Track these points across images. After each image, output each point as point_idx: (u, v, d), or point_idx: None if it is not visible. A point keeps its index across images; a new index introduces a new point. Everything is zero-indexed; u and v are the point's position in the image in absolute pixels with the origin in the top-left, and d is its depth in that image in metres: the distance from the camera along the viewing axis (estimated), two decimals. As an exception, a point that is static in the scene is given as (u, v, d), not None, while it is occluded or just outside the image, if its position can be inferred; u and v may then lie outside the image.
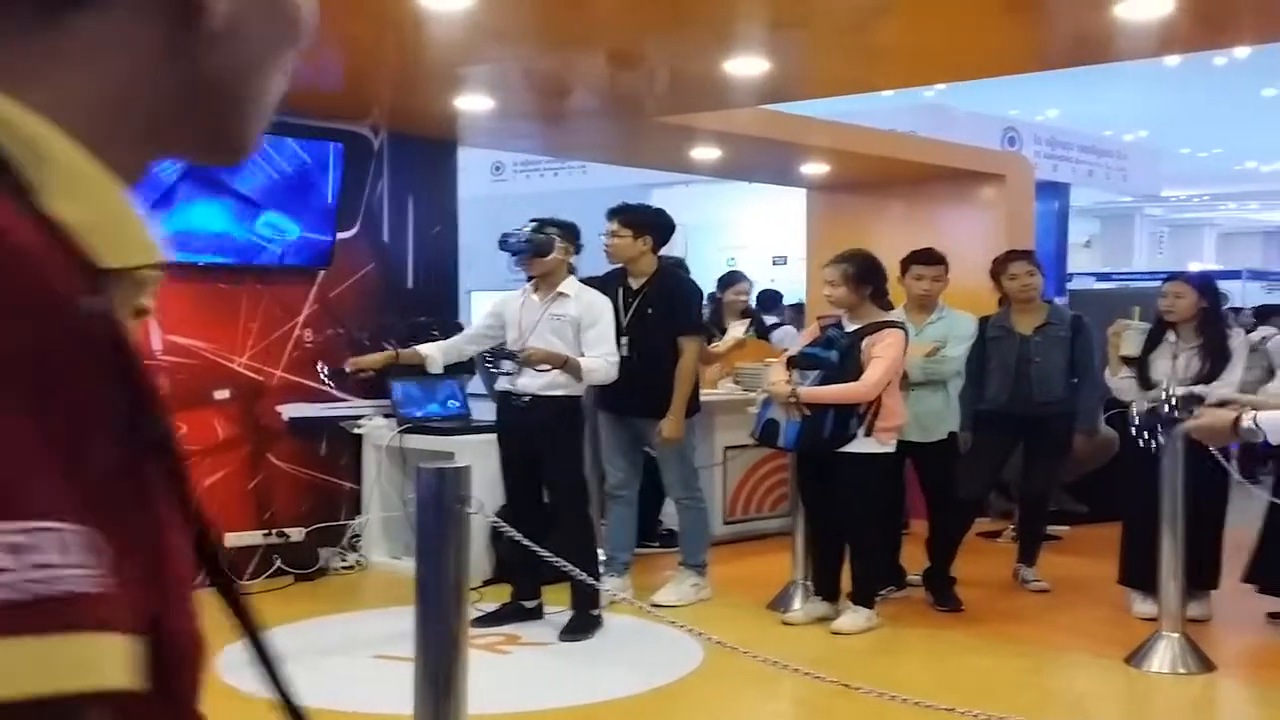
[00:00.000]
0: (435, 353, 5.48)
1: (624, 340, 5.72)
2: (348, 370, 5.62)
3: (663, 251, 5.98)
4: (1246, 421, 3.64)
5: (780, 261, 15.49)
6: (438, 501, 2.50)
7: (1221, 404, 4.53)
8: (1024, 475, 6.38)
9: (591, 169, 12.98)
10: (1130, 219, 22.57)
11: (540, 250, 5.21)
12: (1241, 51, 11.01)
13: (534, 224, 5.28)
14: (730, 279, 8.28)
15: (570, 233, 5.33)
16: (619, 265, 5.85)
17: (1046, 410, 6.01)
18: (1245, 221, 24.74)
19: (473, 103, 6.04)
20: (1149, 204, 21.24)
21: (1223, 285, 16.87)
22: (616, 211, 5.79)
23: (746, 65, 5.24)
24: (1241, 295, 16.08)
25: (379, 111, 6.40)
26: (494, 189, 15.23)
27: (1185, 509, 4.91)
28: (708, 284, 12.37)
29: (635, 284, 5.80)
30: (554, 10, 4.60)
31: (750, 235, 16.50)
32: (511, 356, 5.19)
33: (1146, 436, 5.05)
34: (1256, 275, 16.90)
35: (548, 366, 5.14)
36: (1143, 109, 15.26)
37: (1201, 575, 5.48)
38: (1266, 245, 24.94)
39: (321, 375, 6.33)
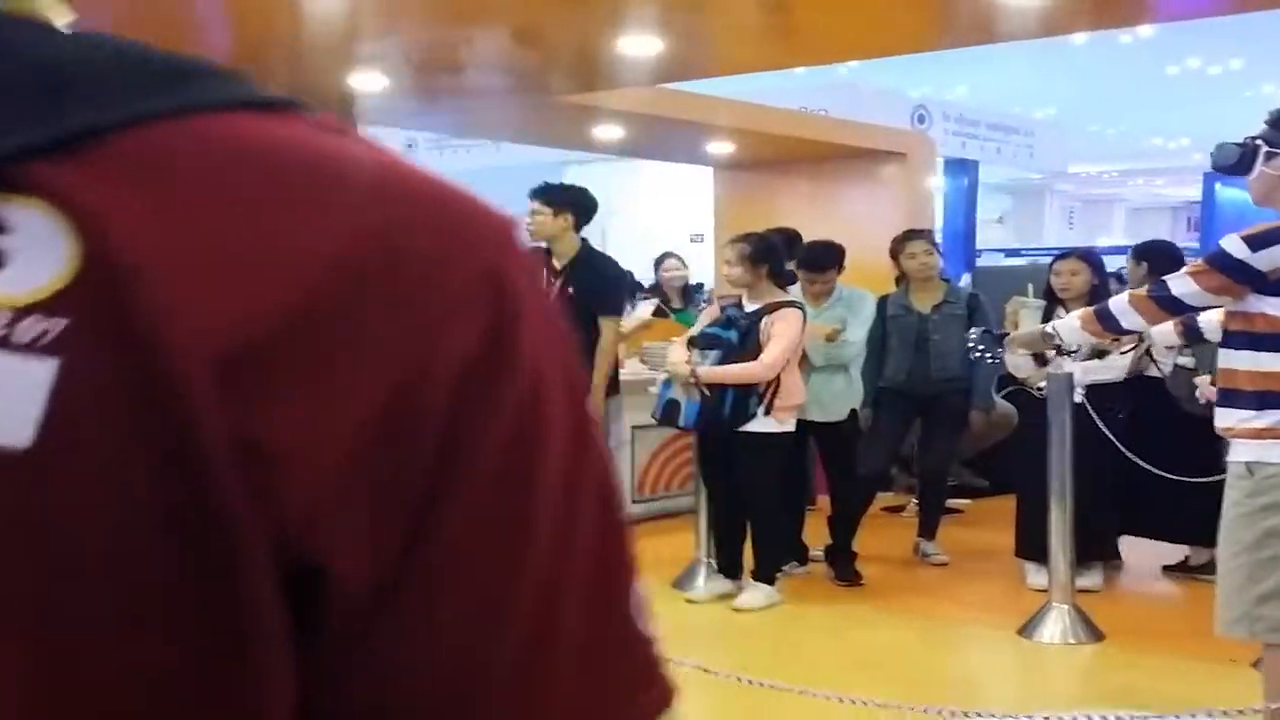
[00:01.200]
0: None
1: None
2: None
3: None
4: (1048, 328, 4.12)
5: (698, 239, 15.50)
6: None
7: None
8: (922, 451, 6.47)
9: (505, 146, 12.90)
10: (1041, 195, 22.92)
11: None
12: (1146, 30, 11.21)
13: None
14: (662, 258, 8.30)
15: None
16: (541, 244, 5.84)
17: (944, 387, 6.09)
18: (1155, 197, 25.22)
19: (367, 81, 5.96)
20: (1059, 180, 21.57)
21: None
22: (537, 191, 5.78)
23: (642, 45, 5.22)
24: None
25: (273, 89, 6.28)
26: (406, 167, 15.12)
27: (1073, 479, 5.00)
28: (626, 260, 12.35)
29: (558, 264, 5.78)
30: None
31: (667, 212, 16.51)
32: None
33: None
34: (1160, 250, 17.26)
35: None
36: (1051, 87, 15.47)
37: (1095, 545, 5.60)
38: (1175, 220, 25.45)
39: None
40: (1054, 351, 4.84)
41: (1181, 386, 5.52)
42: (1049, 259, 6.24)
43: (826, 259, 6.12)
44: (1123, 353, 5.37)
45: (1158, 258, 6.12)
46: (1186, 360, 5.48)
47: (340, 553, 0.43)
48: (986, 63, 11.57)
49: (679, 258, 8.39)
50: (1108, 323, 3.79)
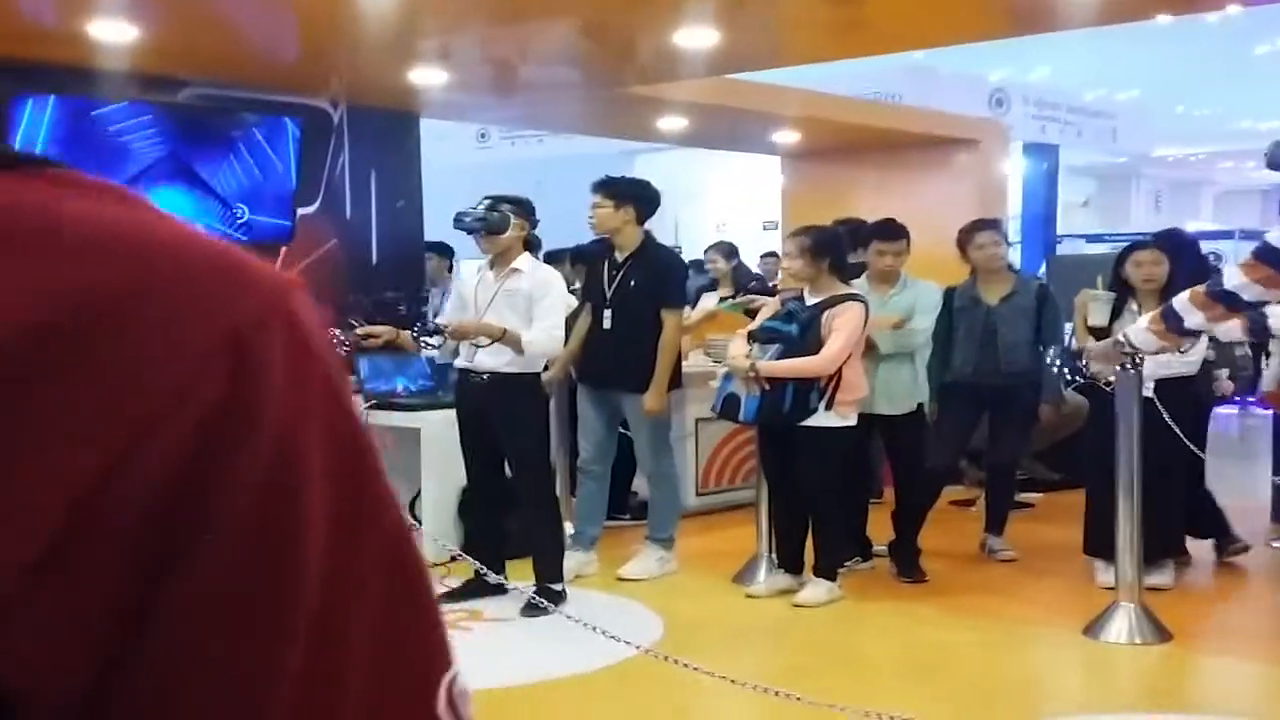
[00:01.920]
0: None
1: (607, 312, 5.74)
2: (358, 334, 5.55)
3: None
4: (1120, 338, 3.95)
5: (771, 226, 15.42)
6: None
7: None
8: (990, 445, 6.36)
9: (577, 135, 12.92)
10: (1127, 178, 22.42)
11: (494, 228, 5.19)
12: (1233, 8, 10.91)
13: (488, 201, 5.25)
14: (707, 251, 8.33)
15: (524, 208, 5.29)
16: (605, 235, 5.85)
17: (1012, 381, 5.98)
18: (1244, 180, 24.55)
19: (428, 76, 6.00)
20: (1145, 164, 21.09)
21: (1216, 245, 16.82)
22: (599, 184, 5.79)
23: (699, 37, 5.19)
24: (1234, 254, 15.98)
25: (337, 84, 6.36)
26: (480, 156, 15.18)
27: (1141, 476, 4.88)
28: (699, 250, 12.35)
29: (620, 256, 5.79)
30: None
31: (739, 200, 16.43)
32: (438, 331, 5.16)
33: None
34: (1249, 235, 16.76)
35: (487, 340, 5.12)
36: (1135, 68, 15.13)
37: (1164, 543, 5.48)
38: (1266, 203, 24.75)
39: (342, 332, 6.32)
40: (1129, 361, 4.65)
41: (1202, 381, 5.41)
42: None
43: (899, 228, 6.05)
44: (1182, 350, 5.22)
45: (1184, 250, 5.98)
46: (1208, 354, 5.37)
47: (31, 669, 0.38)
48: (1068, 44, 11.34)
49: (714, 248, 8.43)
50: (1172, 322, 3.71)
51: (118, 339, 0.40)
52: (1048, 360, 4.79)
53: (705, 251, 8.24)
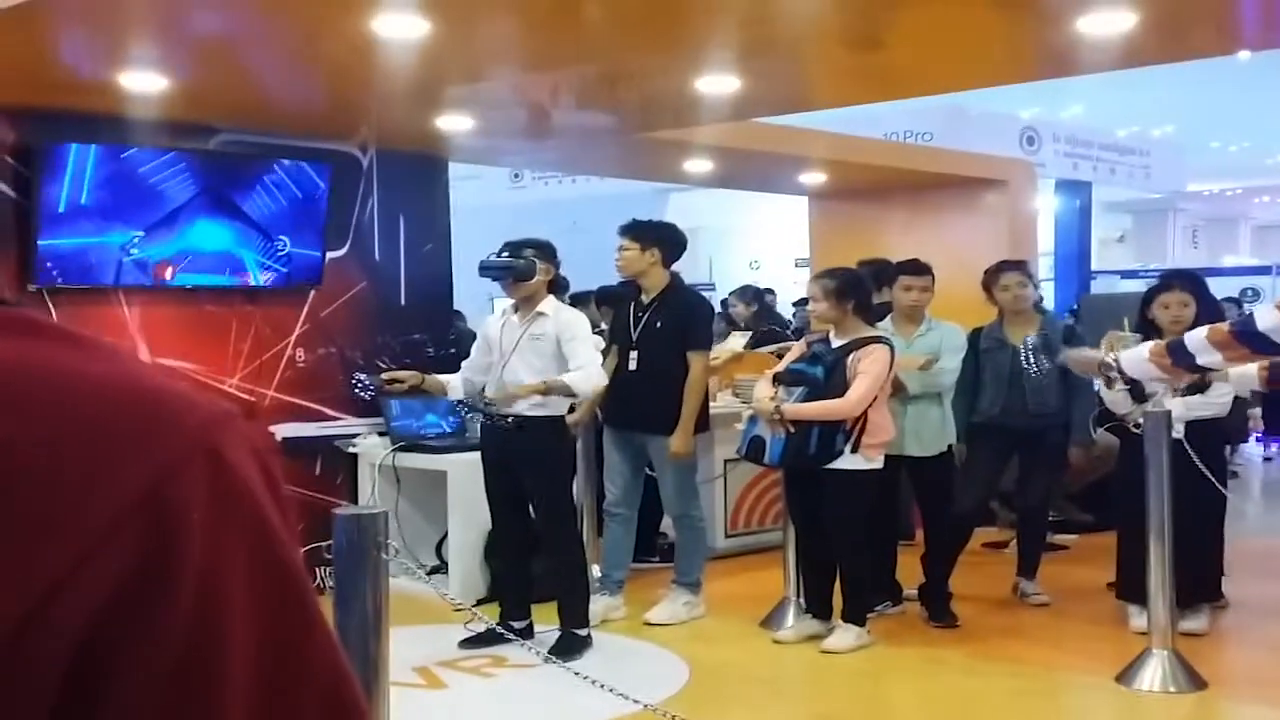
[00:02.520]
0: (456, 382, 5.49)
1: (633, 354, 5.75)
2: (383, 379, 5.58)
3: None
4: (1109, 358, 3.79)
5: (803, 264, 15.43)
6: (355, 547, 2.49)
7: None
8: (1019, 488, 6.30)
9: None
10: (1164, 214, 22.27)
11: (522, 275, 5.21)
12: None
13: (510, 247, 5.27)
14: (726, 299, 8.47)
15: (547, 252, 5.31)
16: (631, 278, 5.87)
17: (1041, 422, 5.93)
18: (1281, 214, 24.36)
19: (454, 122, 6.05)
20: (1182, 198, 20.95)
21: (1254, 281, 16.63)
22: (626, 228, 5.82)
23: (719, 84, 5.21)
24: (1271, 289, 15.83)
25: (366, 130, 6.42)
26: (513, 196, 15.29)
27: (1173, 520, 4.82)
28: (733, 284, 12.34)
29: (646, 298, 5.81)
30: (521, 35, 4.59)
31: (772, 237, 16.44)
32: (488, 406, 5.19)
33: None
34: (1287, 270, 16.64)
35: (537, 397, 5.14)
36: (1170, 104, 15.05)
37: (1199, 588, 5.40)
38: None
39: (359, 386, 6.33)
40: (1112, 380, 4.49)
41: (1234, 418, 5.34)
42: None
43: (925, 265, 6.05)
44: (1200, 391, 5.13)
45: (1199, 287, 5.91)
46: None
47: None
48: (1100, 82, 11.30)
49: (737, 292, 8.51)
50: (1180, 358, 3.57)
51: (18, 501, 0.39)
52: (1026, 358, 4.71)
53: (729, 295, 8.28)
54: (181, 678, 0.41)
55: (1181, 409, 5.09)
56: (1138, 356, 3.77)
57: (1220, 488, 5.02)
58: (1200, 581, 5.36)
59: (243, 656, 0.42)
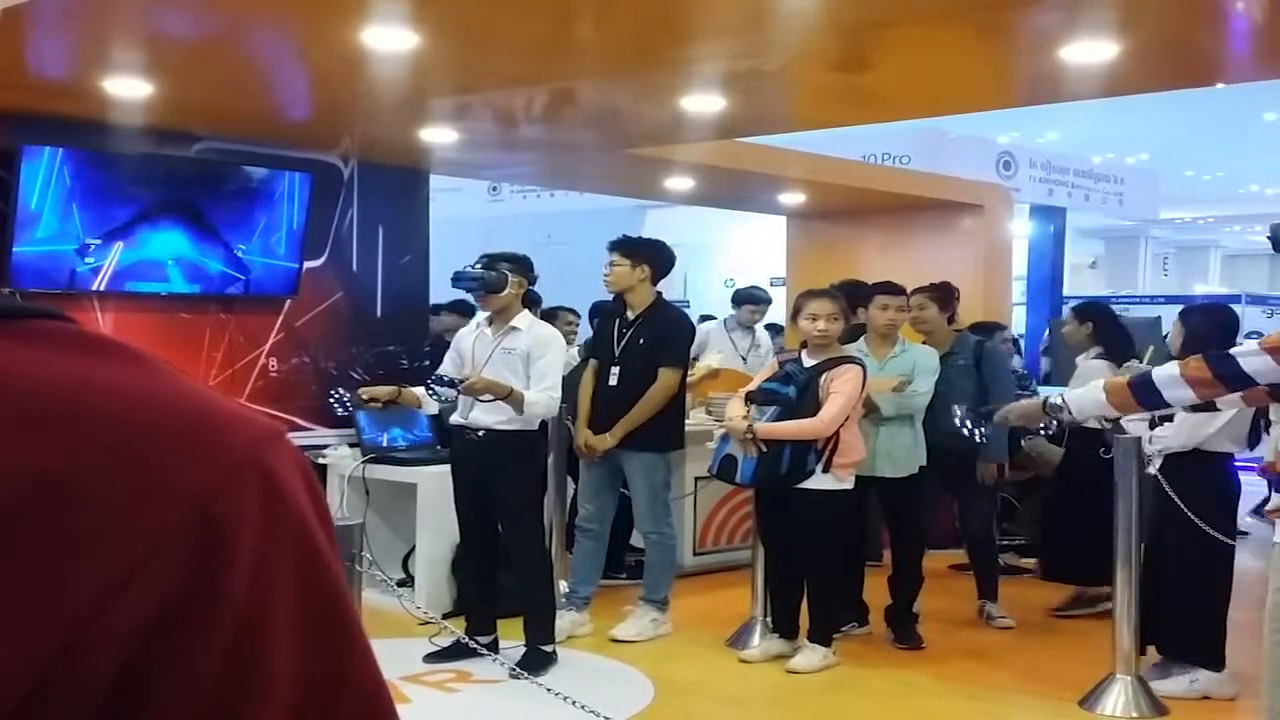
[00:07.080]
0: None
1: (614, 369, 5.77)
2: (363, 398, 5.56)
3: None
4: (1054, 399, 3.69)
5: (779, 282, 15.47)
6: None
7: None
8: (960, 512, 6.39)
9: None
10: (1135, 240, 22.46)
11: (492, 287, 5.21)
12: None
13: (485, 260, 5.28)
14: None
15: (522, 266, 5.33)
16: (618, 293, 5.89)
17: (955, 443, 5.81)
18: (1250, 244, 24.59)
19: (438, 135, 6.06)
20: (1154, 225, 21.14)
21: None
22: (616, 244, 5.84)
23: (704, 103, 5.24)
24: (1240, 318, 15.93)
25: (349, 141, 6.42)
26: (490, 209, 15.27)
27: (1150, 552, 4.87)
28: (708, 304, 12.34)
29: (631, 314, 5.83)
30: (510, 50, 4.61)
31: (749, 255, 16.47)
32: (452, 384, 5.17)
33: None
34: (1256, 300, 16.75)
35: (490, 396, 5.13)
36: (1145, 132, 15.18)
37: (1188, 641, 5.03)
38: (1273, 267, 24.75)
39: (336, 401, 6.30)
40: (1063, 423, 4.32)
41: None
42: (1138, 307, 6.16)
43: (900, 286, 6.12)
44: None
45: (1103, 319, 6.00)
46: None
47: None
48: (1077, 109, 11.40)
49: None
50: (1145, 397, 3.36)
51: (60, 523, 0.39)
52: (961, 427, 4.59)
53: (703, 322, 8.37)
54: (222, 694, 0.42)
55: (1147, 444, 5.04)
56: (1091, 399, 3.54)
57: (1213, 532, 4.89)
58: (1192, 639, 5.01)
59: (284, 679, 0.43)
